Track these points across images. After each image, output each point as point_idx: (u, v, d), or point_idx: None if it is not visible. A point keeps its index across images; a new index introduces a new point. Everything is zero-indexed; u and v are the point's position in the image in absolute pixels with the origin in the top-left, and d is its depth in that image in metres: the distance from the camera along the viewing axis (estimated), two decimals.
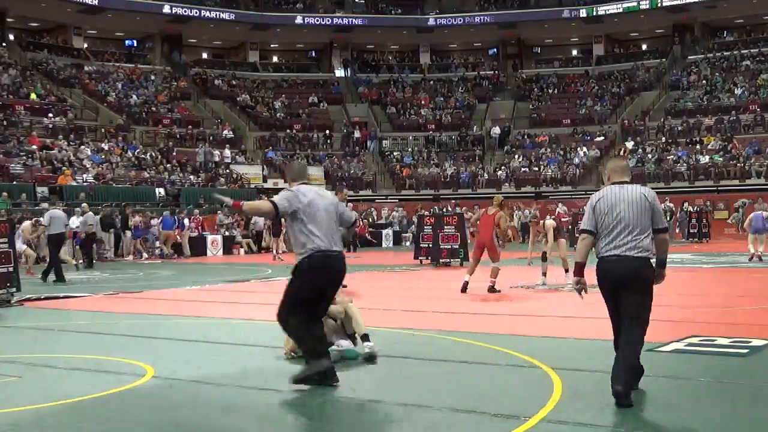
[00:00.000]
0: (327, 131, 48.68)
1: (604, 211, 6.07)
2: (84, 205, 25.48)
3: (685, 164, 40.53)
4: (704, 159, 40.49)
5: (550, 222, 15.88)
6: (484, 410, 5.69)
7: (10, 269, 13.36)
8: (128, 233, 28.24)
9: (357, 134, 49.05)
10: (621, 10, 50.87)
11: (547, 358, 7.46)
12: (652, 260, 6.07)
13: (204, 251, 30.11)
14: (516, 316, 11.14)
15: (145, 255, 28.05)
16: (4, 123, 35.98)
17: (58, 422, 5.71)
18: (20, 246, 18.65)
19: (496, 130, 48.69)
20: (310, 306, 6.74)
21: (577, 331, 9.34)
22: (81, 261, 23.56)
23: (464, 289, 14.04)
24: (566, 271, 14.97)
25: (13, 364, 7.80)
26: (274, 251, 26.85)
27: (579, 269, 6.20)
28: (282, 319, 6.79)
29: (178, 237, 29.09)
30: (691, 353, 7.77)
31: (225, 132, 44.67)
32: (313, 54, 58.10)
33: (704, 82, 47.94)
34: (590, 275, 6.05)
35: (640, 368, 6.01)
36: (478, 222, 15.24)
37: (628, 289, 5.95)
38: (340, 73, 56.24)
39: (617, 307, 6.06)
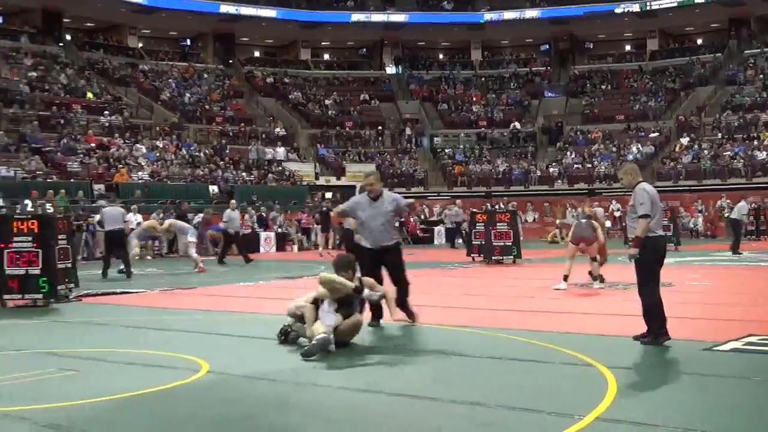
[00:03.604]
0: (378, 128, 48.76)
1: (656, 202, 8.26)
2: (134, 206, 25.90)
3: (742, 160, 39.82)
4: (762, 155, 39.73)
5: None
6: (538, 408, 5.65)
7: (69, 265, 13.62)
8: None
9: (408, 131, 49.02)
10: (675, 4, 50.05)
11: (600, 357, 7.39)
12: None
13: (257, 248, 30.33)
14: (569, 314, 11.03)
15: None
16: (62, 122, 36.65)
17: (112, 416, 5.79)
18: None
19: (518, 125, 48.67)
20: None
21: (632, 329, 9.22)
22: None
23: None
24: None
25: (72, 358, 7.96)
26: (321, 248, 26.89)
27: (641, 242, 8.10)
28: None
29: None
30: (750, 353, 7.63)
31: (277, 130, 44.96)
32: (364, 51, 58.14)
33: (761, 76, 46.98)
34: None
35: None
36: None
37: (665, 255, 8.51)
38: (391, 70, 56.25)
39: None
